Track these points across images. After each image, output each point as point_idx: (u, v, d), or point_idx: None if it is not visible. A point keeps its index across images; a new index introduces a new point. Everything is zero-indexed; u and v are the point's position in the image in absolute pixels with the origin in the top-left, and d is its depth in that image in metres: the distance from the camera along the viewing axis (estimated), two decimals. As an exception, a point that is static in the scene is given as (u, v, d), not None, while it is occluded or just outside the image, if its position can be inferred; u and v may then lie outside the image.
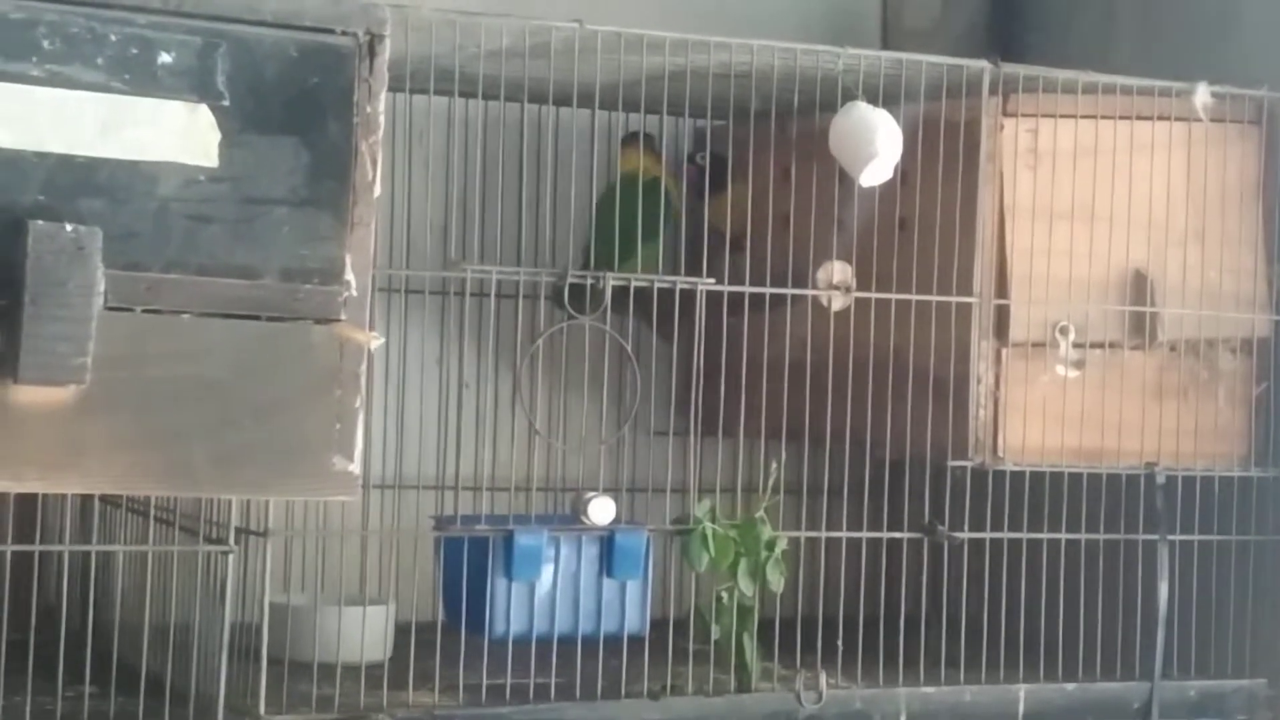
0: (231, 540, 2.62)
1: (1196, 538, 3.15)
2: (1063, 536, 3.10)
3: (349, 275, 2.27)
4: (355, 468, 2.29)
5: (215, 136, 2.20)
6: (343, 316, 2.27)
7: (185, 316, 2.20)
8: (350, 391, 2.28)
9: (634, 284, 2.89)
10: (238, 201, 2.22)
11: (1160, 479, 3.10)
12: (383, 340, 2.32)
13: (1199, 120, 3.14)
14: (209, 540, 2.66)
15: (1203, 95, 3.13)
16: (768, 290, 3.00)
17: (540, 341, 2.89)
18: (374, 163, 2.28)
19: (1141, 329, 3.11)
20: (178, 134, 2.18)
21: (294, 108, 2.24)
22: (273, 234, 2.23)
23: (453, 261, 2.90)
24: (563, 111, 3.25)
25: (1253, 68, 3.24)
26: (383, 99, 2.28)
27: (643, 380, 2.95)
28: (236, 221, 2.22)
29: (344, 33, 2.25)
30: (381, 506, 2.98)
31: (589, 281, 2.86)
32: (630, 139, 3.34)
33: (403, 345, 3.00)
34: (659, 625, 2.95)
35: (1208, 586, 3.16)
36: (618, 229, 2.99)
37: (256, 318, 2.24)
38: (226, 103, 2.21)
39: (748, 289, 2.98)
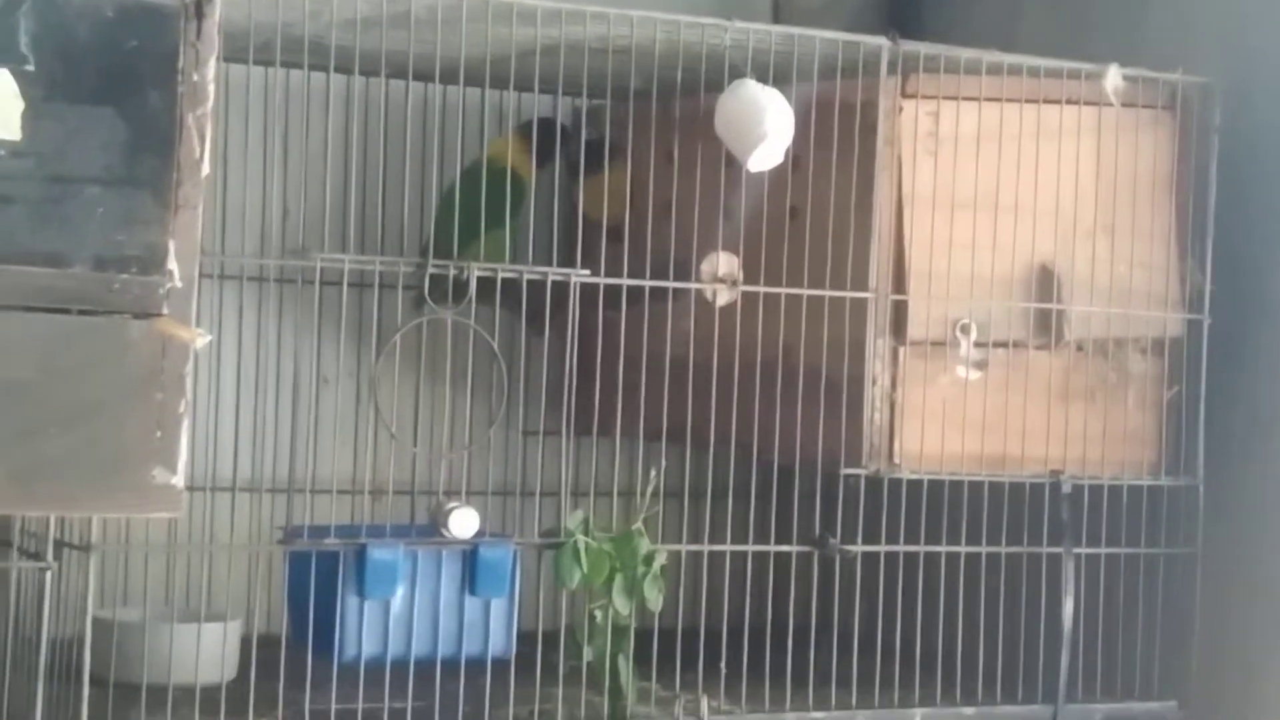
0: (50, 555, 2.38)
1: (1103, 550, 3.02)
2: (962, 549, 2.95)
3: (172, 264, 2.06)
4: (179, 480, 2.07)
5: (18, 105, 1.99)
6: (165, 310, 2.06)
7: (-18, 310, 1.97)
8: (173, 395, 2.06)
9: (501, 275, 2.69)
10: (44, 180, 2.01)
11: (1065, 488, 2.97)
12: (210, 338, 2.10)
13: (1110, 105, 3.00)
14: (25, 554, 2.42)
15: (1114, 78, 2.99)
16: (647, 283, 2.81)
17: (398, 336, 2.67)
18: (202, 137, 2.06)
19: (1047, 327, 2.96)
20: (-27, 103, 1.96)
21: (110, 74, 2.03)
22: (85, 217, 2.02)
23: (300, 249, 2.68)
24: (428, 88, 3.03)
25: (1167, 50, 3.11)
26: (213, 66, 2.06)
27: (512, 378, 2.76)
28: (42, 202, 2.01)
29: (168, -10, 2.03)
30: (231, 511, 2.78)
31: (452, 272, 2.66)
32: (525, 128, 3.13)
33: (239, 337, 2.78)
34: (527, 645, 2.78)
35: (1115, 602, 3.04)
36: (459, 216, 2.79)
37: (66, 311, 2.04)
38: (31, 67, 2.00)
39: (625, 281, 2.79)
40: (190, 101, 2.05)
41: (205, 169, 2.07)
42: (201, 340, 2.08)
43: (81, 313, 2.03)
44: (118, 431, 2.05)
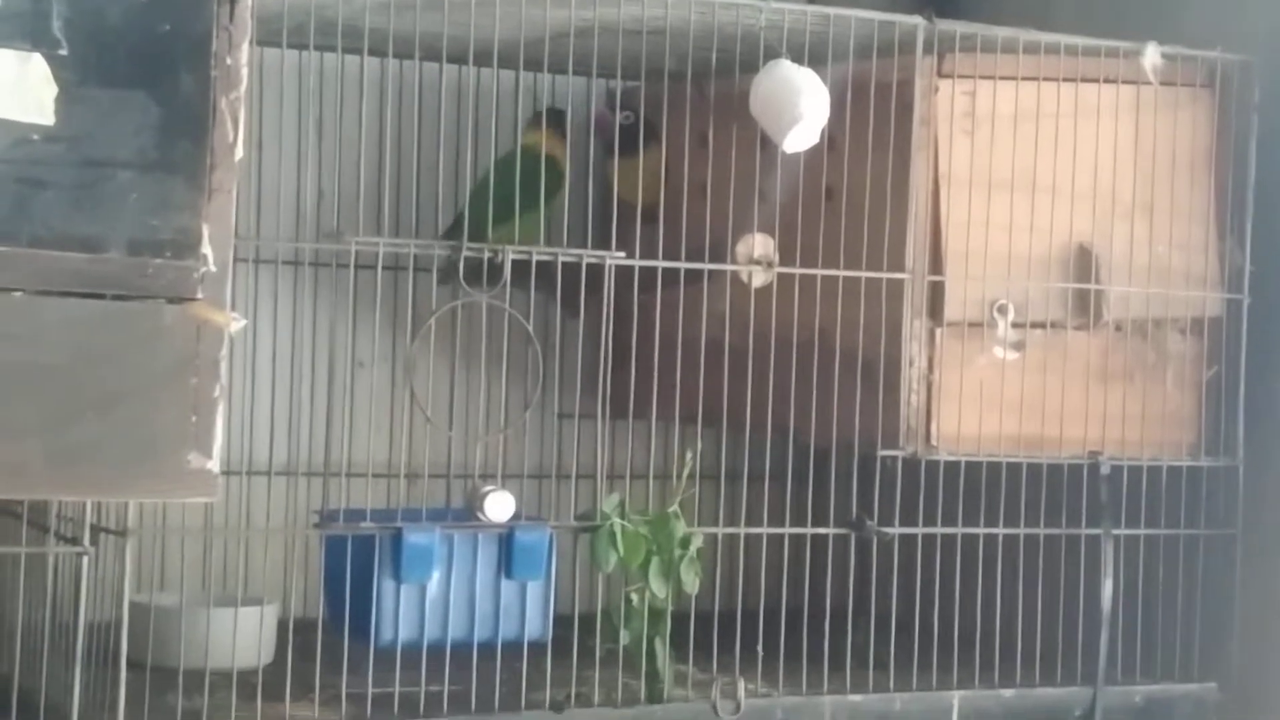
0: (87, 539, 2.38)
1: (1142, 532, 2.99)
2: (1000, 531, 2.94)
3: (206, 248, 2.04)
4: (214, 465, 2.06)
5: (51, 90, 1.97)
6: (199, 295, 2.05)
7: (17, 295, 1.97)
8: (208, 379, 2.05)
9: (536, 258, 2.68)
10: (77, 164, 1.99)
11: (1104, 469, 2.94)
12: (245, 322, 2.09)
13: (1148, 83, 2.98)
14: (62, 539, 2.42)
15: (1152, 56, 2.97)
16: (682, 265, 2.79)
17: (433, 320, 2.67)
18: (235, 121, 2.05)
19: (1085, 308, 2.94)
20: (7, 87, 1.95)
21: (142, 58, 2.01)
22: (118, 201, 2.01)
23: (335, 233, 2.68)
24: (463, 71, 3.03)
25: (1205, 27, 3.08)
26: (246, 50, 2.05)
27: (547, 361, 2.74)
28: (76, 187, 1.99)
29: (201, -26, 2.01)
30: (268, 495, 2.78)
31: (486, 255, 2.65)
32: (537, 119, 3.12)
33: (275, 321, 2.77)
34: (563, 628, 2.77)
35: (1154, 584, 3.01)
36: (492, 198, 2.78)
37: (100, 296, 2.02)
38: (64, 52, 1.98)
39: (661, 263, 2.78)
40: (223, 85, 2.04)
41: (239, 153, 2.06)
42: (236, 325, 2.07)
43: (116, 297, 2.02)
44: (153, 416, 2.04)
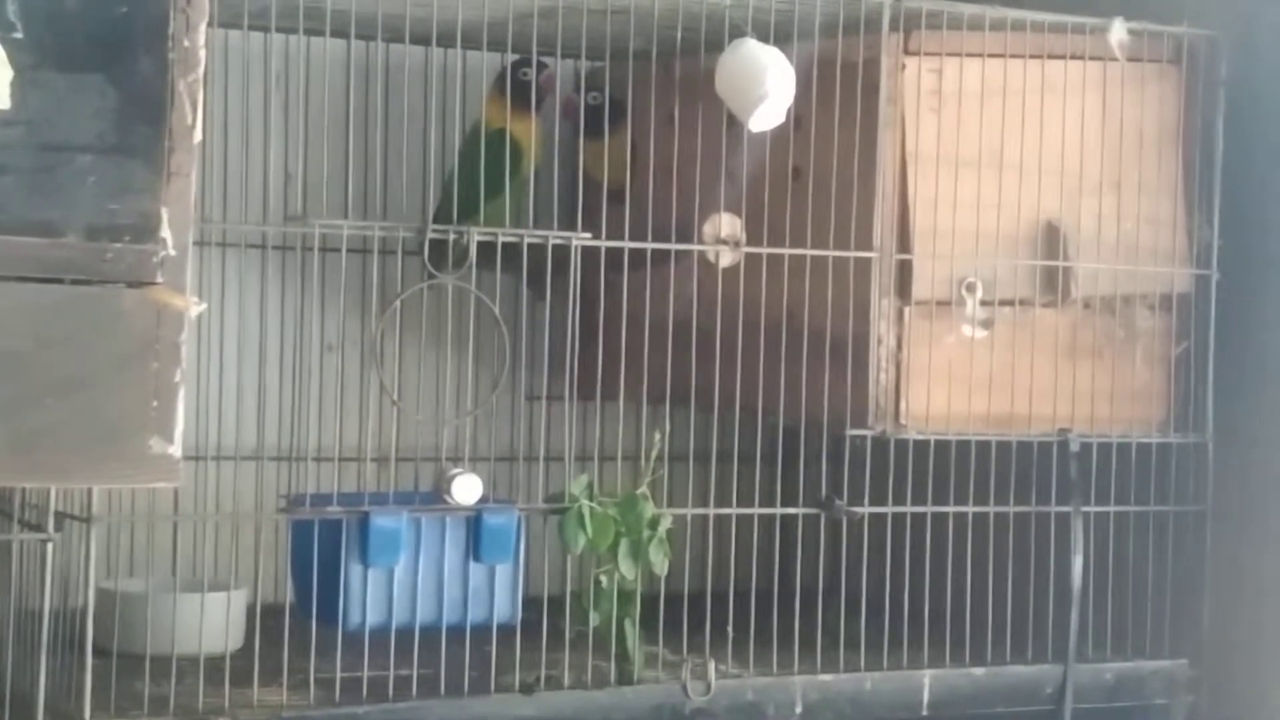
0: (51, 526, 2.37)
1: (1112, 509, 2.99)
2: (970, 509, 2.93)
3: (165, 232, 2.02)
4: (176, 450, 2.04)
5: (6, 74, 1.95)
6: (159, 279, 2.03)
7: (-27, 281, 1.95)
8: (169, 364, 2.03)
9: (502, 239, 2.67)
10: (34, 149, 1.97)
11: (1074, 446, 2.94)
12: (204, 306, 2.08)
13: (1115, 60, 2.97)
14: (26, 525, 2.41)
15: (1119, 32, 2.96)
16: (649, 245, 2.78)
17: (399, 302, 2.65)
18: (194, 104, 2.03)
19: (1054, 285, 2.93)
20: (-39, 71, 1.93)
21: (99, 41, 1.99)
22: (76, 186, 1.99)
23: (299, 215, 2.66)
24: (428, 52, 3.01)
25: (1172, 3, 3.08)
26: (203, 31, 2.03)
27: (515, 343, 2.74)
28: (33, 171, 1.97)
29: (157, -45, 2.00)
30: (234, 480, 2.76)
31: (451, 237, 2.64)
32: (500, 84, 3.10)
33: (240, 305, 2.76)
34: (533, 610, 2.75)
35: (1124, 561, 3.01)
36: (458, 192, 2.77)
37: (59, 281, 2.00)
38: (19, 35, 1.96)
39: (627, 244, 2.77)
40: (182, 68, 2.02)
41: (198, 136, 2.04)
42: (196, 308, 2.06)
43: (75, 282, 2.00)
44: (113, 401, 2.02)
